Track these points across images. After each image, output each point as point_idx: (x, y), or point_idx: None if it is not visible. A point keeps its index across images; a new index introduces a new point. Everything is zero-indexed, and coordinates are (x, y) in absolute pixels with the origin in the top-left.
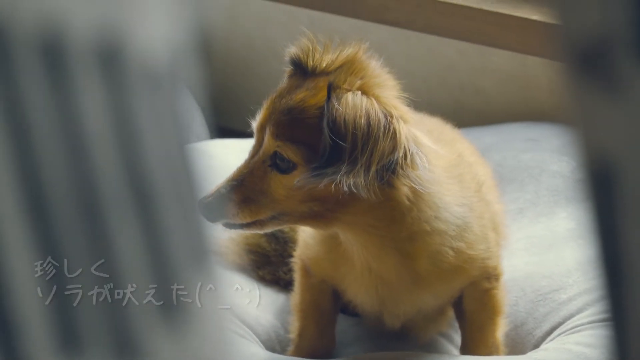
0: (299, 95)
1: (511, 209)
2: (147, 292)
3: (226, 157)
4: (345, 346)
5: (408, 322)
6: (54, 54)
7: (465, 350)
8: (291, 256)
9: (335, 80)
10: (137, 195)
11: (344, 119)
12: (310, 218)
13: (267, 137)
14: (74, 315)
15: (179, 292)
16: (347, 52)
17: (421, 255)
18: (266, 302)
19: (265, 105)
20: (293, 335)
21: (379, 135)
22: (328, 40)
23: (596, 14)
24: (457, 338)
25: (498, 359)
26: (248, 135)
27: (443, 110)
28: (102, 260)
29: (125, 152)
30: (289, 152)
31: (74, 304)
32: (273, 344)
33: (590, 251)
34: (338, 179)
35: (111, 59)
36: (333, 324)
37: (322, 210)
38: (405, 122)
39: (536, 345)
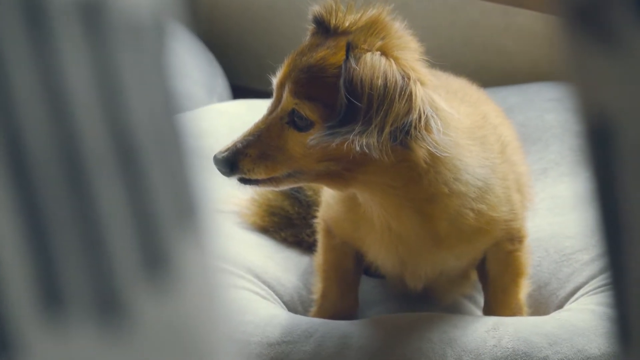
0: (320, 53)
1: (535, 169)
2: (130, 250)
3: (248, 117)
4: (368, 307)
5: (430, 284)
6: (33, 8)
7: (488, 311)
8: (314, 218)
9: (354, 39)
10: (121, 153)
11: (361, 79)
12: (326, 177)
13: (285, 94)
14: (55, 274)
15: (163, 250)
16: (370, 12)
17: (440, 216)
18: (288, 263)
19: (285, 62)
20: (316, 296)
21: (394, 97)
22: (352, 0)
23: None
24: (480, 299)
25: (521, 320)
26: (270, 94)
27: (467, 70)
28: (85, 218)
29: (108, 109)
30: (307, 110)
31: (55, 263)
32: (295, 305)
33: (592, 208)
34: (351, 139)
35: (93, 13)
36: (356, 285)
37: (338, 169)
38: (423, 84)
39: (559, 306)
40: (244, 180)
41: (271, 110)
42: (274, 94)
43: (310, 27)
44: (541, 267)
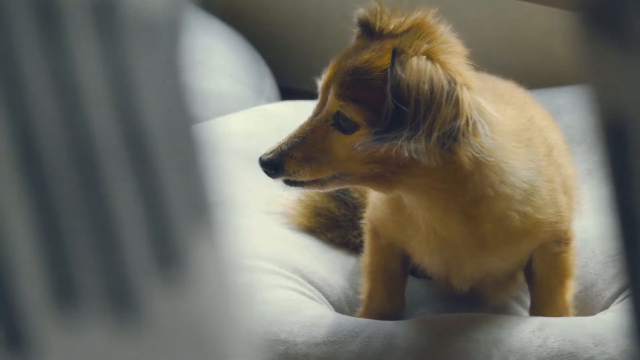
0: (365, 56)
1: (580, 170)
2: (143, 245)
3: (296, 119)
4: (414, 307)
5: (477, 285)
6: (47, 6)
7: (534, 312)
8: (361, 220)
9: (400, 44)
10: (134, 149)
11: (407, 84)
12: (371, 179)
13: (331, 96)
14: (69, 270)
15: (177, 246)
16: (416, 15)
17: (486, 219)
18: (335, 264)
19: (331, 64)
20: (363, 296)
21: (441, 102)
22: (397, 3)
23: None
24: (527, 300)
25: (567, 320)
26: (316, 96)
27: (513, 72)
28: (98, 214)
29: (121, 106)
30: (352, 112)
31: (69, 259)
32: (342, 306)
33: (607, 207)
34: (399, 144)
35: (106, 11)
36: (402, 286)
37: (383, 172)
38: (469, 89)
39: (605, 307)
40: (289, 182)
41: (316, 113)
42: (319, 96)
43: (356, 29)
44: (587, 268)
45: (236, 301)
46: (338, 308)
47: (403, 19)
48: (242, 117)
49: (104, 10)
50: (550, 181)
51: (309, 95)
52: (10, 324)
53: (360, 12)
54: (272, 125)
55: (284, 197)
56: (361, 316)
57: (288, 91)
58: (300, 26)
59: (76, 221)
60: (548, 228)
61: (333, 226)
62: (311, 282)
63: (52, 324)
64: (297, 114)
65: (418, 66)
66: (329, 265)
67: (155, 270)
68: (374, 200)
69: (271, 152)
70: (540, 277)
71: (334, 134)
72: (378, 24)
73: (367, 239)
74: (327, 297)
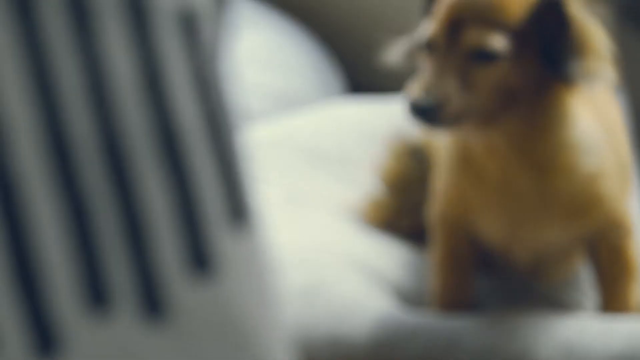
0: None
1: None
2: (175, 245)
3: (363, 116)
4: (480, 301)
5: (537, 261)
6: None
7: (601, 309)
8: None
9: None
10: (167, 147)
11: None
12: (486, 119)
13: (467, 29)
14: (100, 270)
15: (210, 247)
16: None
17: (558, 175)
18: (406, 258)
19: (447, 4)
20: (432, 289)
21: (596, 37)
22: None
23: None
24: (593, 297)
25: (637, 320)
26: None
27: None
28: (129, 213)
29: (153, 101)
30: (494, 41)
31: (99, 259)
32: (410, 299)
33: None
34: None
35: (137, 2)
36: (471, 276)
37: (502, 107)
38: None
39: None
40: (431, 121)
41: (446, 50)
42: (443, 32)
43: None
44: None
45: (273, 301)
46: (406, 301)
47: None
48: (308, 113)
49: (136, 1)
50: (615, 163)
51: (377, 90)
52: (42, 325)
53: None
54: (339, 122)
55: (353, 193)
56: (431, 309)
57: (357, 87)
58: (369, 21)
59: (107, 220)
60: (608, 206)
61: (403, 220)
62: (380, 277)
63: (84, 323)
64: (364, 111)
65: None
66: (400, 259)
67: (187, 271)
68: (438, 176)
69: (424, 97)
70: (603, 274)
71: (475, 68)
72: None
73: (433, 231)
74: (397, 291)
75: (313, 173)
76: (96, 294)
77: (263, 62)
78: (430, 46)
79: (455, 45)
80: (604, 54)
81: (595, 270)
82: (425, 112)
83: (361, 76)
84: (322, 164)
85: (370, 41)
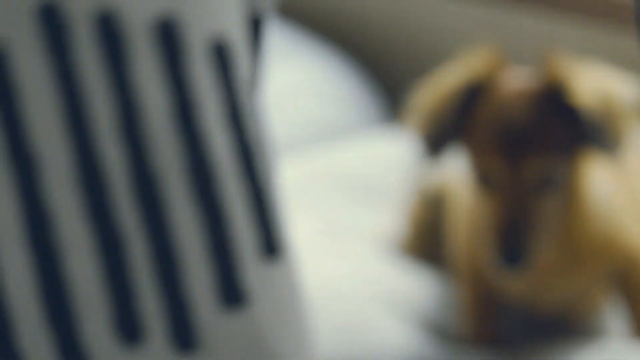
0: (525, 102)
1: None
2: (208, 281)
3: (401, 146)
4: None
5: (560, 309)
6: (109, 28)
7: (632, 335)
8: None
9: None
10: (198, 179)
11: (585, 102)
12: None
13: (528, 159)
14: (132, 302)
15: (242, 283)
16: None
17: (580, 233)
18: (440, 290)
19: (492, 143)
20: (463, 324)
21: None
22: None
23: None
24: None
25: None
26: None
27: None
28: (160, 245)
29: (187, 133)
30: (557, 166)
31: (132, 290)
32: (435, 329)
33: None
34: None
35: (168, 32)
36: (493, 311)
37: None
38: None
39: None
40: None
41: (510, 186)
42: (501, 168)
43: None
44: None
45: (306, 333)
46: (441, 334)
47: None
48: (347, 146)
49: (169, 33)
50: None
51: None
52: (75, 356)
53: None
54: (379, 152)
55: (389, 224)
56: (457, 341)
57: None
58: (414, 48)
59: (140, 252)
60: (628, 251)
61: (433, 250)
62: (414, 311)
63: (116, 353)
64: (406, 141)
65: (588, 87)
66: (433, 292)
67: (219, 303)
68: (457, 232)
69: (508, 249)
70: (629, 304)
71: (540, 198)
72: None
73: (458, 270)
74: (430, 324)
75: (350, 206)
76: (128, 324)
77: (303, 92)
78: (487, 179)
79: (517, 178)
80: (625, 112)
81: (622, 303)
82: (515, 265)
83: (405, 103)
84: (360, 197)
85: (415, 68)
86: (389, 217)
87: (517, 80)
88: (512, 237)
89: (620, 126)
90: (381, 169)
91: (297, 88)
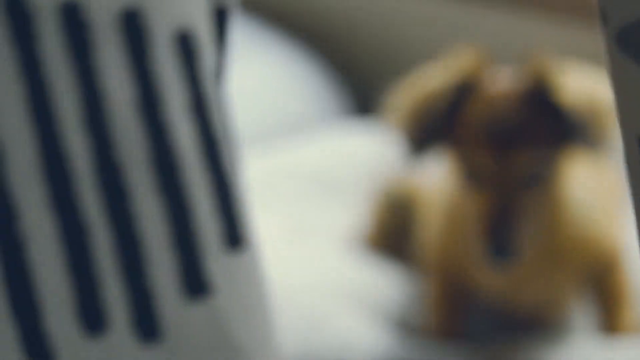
0: (510, 103)
1: None
2: (171, 269)
3: (370, 144)
4: (473, 336)
5: (534, 308)
6: (74, 18)
7: (600, 332)
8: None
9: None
10: (164, 169)
11: (569, 100)
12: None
13: (515, 155)
14: (95, 292)
15: (205, 272)
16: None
17: (560, 229)
18: (404, 287)
19: (484, 131)
20: (428, 320)
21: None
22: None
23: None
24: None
25: (635, 342)
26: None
27: None
28: (124, 237)
29: (152, 124)
30: (544, 160)
31: (95, 281)
32: (403, 324)
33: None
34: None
35: (136, 22)
36: (467, 309)
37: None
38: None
39: None
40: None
41: (496, 184)
42: (489, 163)
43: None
44: None
45: (269, 324)
46: (405, 330)
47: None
48: (310, 141)
49: (134, 23)
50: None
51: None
52: (36, 345)
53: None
54: (343, 147)
55: (353, 220)
56: (423, 337)
57: (367, 107)
58: (380, 45)
59: (104, 243)
60: (602, 250)
61: (398, 246)
62: (378, 307)
63: (79, 343)
64: (371, 138)
65: (570, 83)
66: (398, 288)
67: (183, 293)
68: (435, 225)
69: (498, 242)
70: (599, 303)
71: (526, 194)
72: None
73: (427, 270)
74: (395, 320)
75: (313, 200)
76: (91, 314)
77: (267, 86)
78: (475, 175)
79: (505, 174)
80: (608, 112)
81: (593, 301)
82: (505, 258)
83: (372, 97)
84: (323, 191)
85: (380, 63)
86: (353, 213)
87: (502, 78)
88: (501, 231)
89: (603, 125)
90: (345, 164)
91: (262, 83)
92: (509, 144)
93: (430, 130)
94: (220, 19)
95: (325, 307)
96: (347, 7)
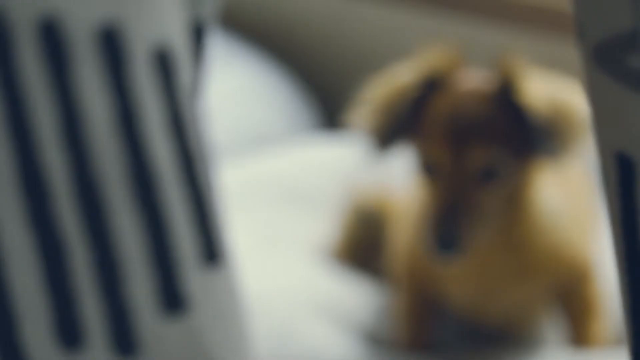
0: (475, 100)
1: None
2: (148, 285)
3: (340, 154)
4: (443, 346)
5: (503, 321)
6: (52, 35)
7: (570, 344)
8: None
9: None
10: (141, 186)
11: (533, 102)
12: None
13: (472, 149)
14: (72, 308)
15: (183, 289)
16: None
17: (529, 242)
18: (374, 298)
19: (443, 126)
20: (397, 330)
21: (575, 120)
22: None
23: (614, 12)
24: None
25: (603, 354)
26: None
27: None
28: (101, 253)
29: (129, 141)
30: (501, 156)
31: (72, 297)
32: (373, 335)
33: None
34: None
35: (112, 38)
36: (435, 319)
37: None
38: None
39: None
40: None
41: (450, 174)
42: (445, 156)
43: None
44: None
45: (245, 339)
46: (374, 340)
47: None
48: (280, 153)
49: (112, 39)
50: (576, 220)
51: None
52: None
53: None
54: (313, 158)
55: (323, 231)
56: (392, 346)
57: (334, 121)
58: (348, 56)
59: (80, 259)
60: (572, 262)
61: (368, 257)
62: (348, 318)
63: (55, 358)
64: (341, 148)
65: (535, 87)
66: (367, 299)
67: (160, 308)
68: (404, 235)
69: (443, 235)
70: (569, 315)
71: (483, 188)
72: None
73: (397, 280)
74: (364, 331)
75: (284, 211)
76: (69, 330)
77: (237, 99)
78: (431, 169)
79: (459, 168)
80: (575, 121)
81: (562, 312)
82: (449, 251)
83: (341, 109)
84: (293, 203)
85: (349, 75)
86: (323, 224)
87: (471, 78)
88: (447, 223)
89: (569, 134)
90: (316, 175)
91: (232, 95)
92: (466, 139)
93: (396, 124)
94: (197, 35)
95: (296, 317)
96: (317, 22)
